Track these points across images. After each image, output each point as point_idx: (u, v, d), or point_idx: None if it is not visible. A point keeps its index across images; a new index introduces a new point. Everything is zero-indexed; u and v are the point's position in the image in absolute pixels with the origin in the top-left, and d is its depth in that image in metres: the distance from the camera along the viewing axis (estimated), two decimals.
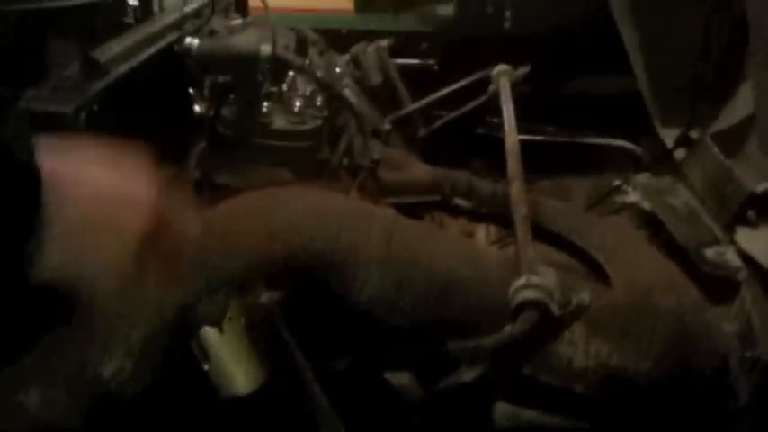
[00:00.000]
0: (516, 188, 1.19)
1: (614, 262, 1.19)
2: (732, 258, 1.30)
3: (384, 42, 1.97)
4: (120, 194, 0.73)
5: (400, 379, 1.00)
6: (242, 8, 1.73)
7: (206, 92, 1.34)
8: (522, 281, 0.90)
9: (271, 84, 1.40)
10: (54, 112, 0.94)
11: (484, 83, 1.77)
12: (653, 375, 0.99)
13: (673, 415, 1.02)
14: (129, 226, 0.72)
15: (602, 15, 1.84)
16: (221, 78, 1.34)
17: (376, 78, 1.90)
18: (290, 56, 1.42)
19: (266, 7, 1.53)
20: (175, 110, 1.30)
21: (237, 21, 1.56)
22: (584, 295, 0.87)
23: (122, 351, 0.81)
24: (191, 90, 1.32)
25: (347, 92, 1.67)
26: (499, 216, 1.45)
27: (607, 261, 1.20)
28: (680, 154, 1.67)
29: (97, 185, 0.72)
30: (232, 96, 1.36)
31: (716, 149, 1.49)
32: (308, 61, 1.55)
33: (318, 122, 1.40)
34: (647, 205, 1.53)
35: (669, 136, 1.72)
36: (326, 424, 0.88)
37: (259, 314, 0.82)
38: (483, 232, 1.54)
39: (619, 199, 1.63)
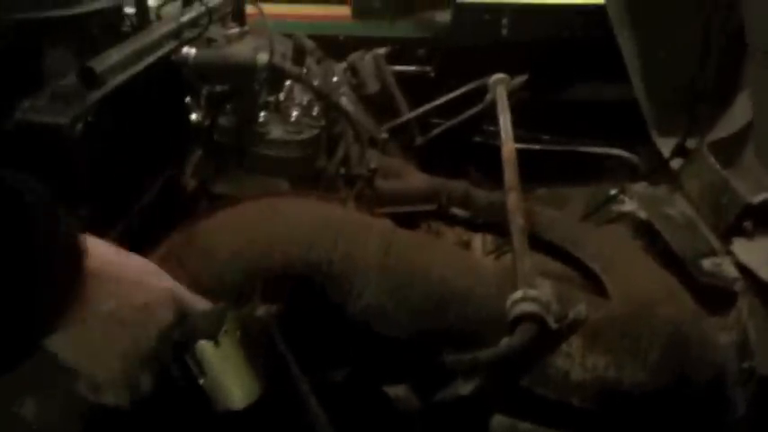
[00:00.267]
0: (513, 199, 1.19)
1: (611, 272, 1.19)
2: (729, 269, 1.30)
3: (381, 50, 1.98)
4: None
5: (397, 391, 1.00)
6: (239, 17, 1.73)
7: (203, 101, 1.34)
8: (518, 294, 0.90)
9: (268, 93, 1.40)
10: (50, 123, 0.93)
11: (481, 91, 1.77)
12: (650, 388, 0.99)
13: (670, 427, 1.02)
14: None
15: (600, 23, 1.85)
16: (218, 87, 1.34)
17: (373, 87, 1.91)
18: (287, 65, 1.42)
19: (262, 13, 1.53)
20: (172, 119, 1.29)
21: (235, 29, 1.56)
22: (581, 308, 0.87)
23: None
24: (188, 99, 1.32)
25: (344, 101, 1.67)
26: (496, 225, 1.45)
27: (604, 271, 1.20)
28: (677, 163, 1.68)
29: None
30: (229, 105, 1.36)
31: (713, 159, 1.49)
32: (305, 70, 1.55)
33: (315, 131, 1.39)
34: (643, 214, 1.54)
35: (666, 145, 1.73)
36: None
37: (255, 327, 0.81)
38: (480, 242, 1.54)
39: (615, 208, 1.63)
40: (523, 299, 0.89)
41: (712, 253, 1.34)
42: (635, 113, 1.80)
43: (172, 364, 0.74)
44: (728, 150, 1.51)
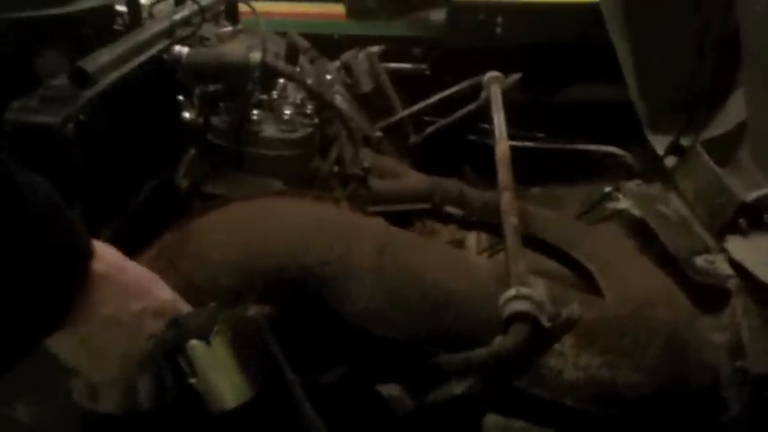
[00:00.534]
0: (507, 198, 1.19)
1: (606, 271, 1.19)
2: (723, 267, 1.30)
3: (375, 49, 1.97)
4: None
5: (390, 391, 0.99)
6: (232, 16, 1.72)
7: (196, 100, 1.33)
8: (511, 292, 0.90)
9: (261, 92, 1.39)
10: (41, 123, 0.93)
11: (476, 89, 1.77)
12: (644, 388, 0.99)
13: (664, 427, 1.01)
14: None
15: (595, 24, 1.85)
16: (211, 86, 1.33)
17: (367, 85, 1.90)
18: (281, 64, 1.41)
19: (255, 12, 1.52)
20: (165, 118, 1.29)
21: (228, 28, 1.56)
22: (574, 308, 0.86)
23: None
24: (180, 98, 1.31)
25: (338, 99, 1.66)
26: (490, 224, 1.45)
27: (598, 270, 1.19)
28: (671, 162, 1.67)
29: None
30: (222, 104, 1.35)
31: (707, 157, 1.49)
32: (298, 69, 1.54)
33: (309, 130, 1.39)
34: (637, 212, 1.54)
35: (660, 144, 1.73)
36: None
37: (247, 328, 0.81)
38: (474, 240, 1.54)
39: (609, 206, 1.63)
40: (516, 297, 0.88)
41: (706, 251, 1.34)
42: (630, 114, 1.79)
43: (162, 364, 0.73)
44: (723, 149, 1.52)
